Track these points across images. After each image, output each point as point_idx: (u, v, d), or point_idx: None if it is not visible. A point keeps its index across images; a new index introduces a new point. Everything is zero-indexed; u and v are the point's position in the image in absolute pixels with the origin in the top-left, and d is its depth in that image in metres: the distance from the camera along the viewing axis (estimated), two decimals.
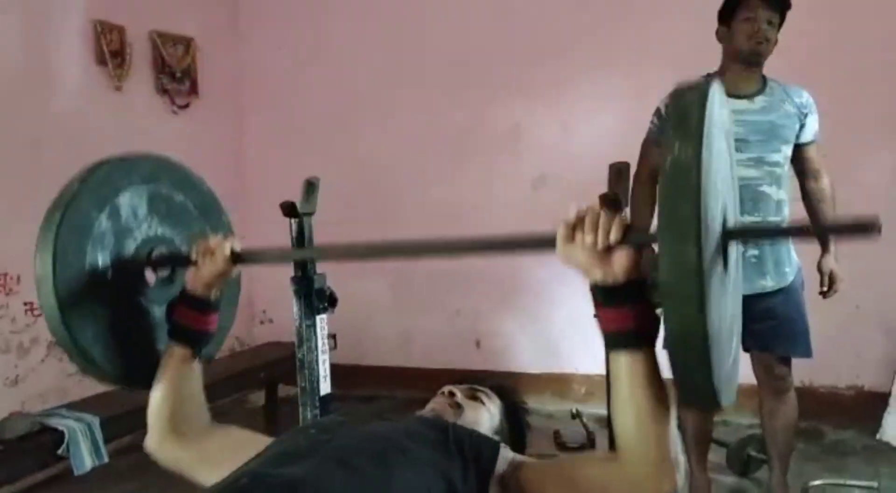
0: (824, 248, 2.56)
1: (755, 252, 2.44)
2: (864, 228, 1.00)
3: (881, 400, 3.35)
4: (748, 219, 2.41)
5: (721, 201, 1.05)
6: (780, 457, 2.60)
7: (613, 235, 1.05)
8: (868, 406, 3.40)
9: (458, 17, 4.18)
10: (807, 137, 2.51)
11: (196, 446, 1.36)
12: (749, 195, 2.42)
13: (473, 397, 1.45)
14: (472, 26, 4.16)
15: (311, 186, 1.55)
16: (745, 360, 2.58)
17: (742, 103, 2.43)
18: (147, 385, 1.42)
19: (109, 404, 2.83)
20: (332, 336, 1.61)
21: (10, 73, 3.38)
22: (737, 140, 2.36)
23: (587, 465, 1.20)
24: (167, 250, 1.50)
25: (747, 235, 1.23)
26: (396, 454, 1.13)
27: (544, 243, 1.12)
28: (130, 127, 3.93)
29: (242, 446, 1.29)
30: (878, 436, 3.29)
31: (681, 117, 0.98)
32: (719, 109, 1.08)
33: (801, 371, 3.37)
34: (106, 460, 2.69)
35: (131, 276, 1.44)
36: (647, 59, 3.70)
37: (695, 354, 0.94)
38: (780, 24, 2.43)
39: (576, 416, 3.55)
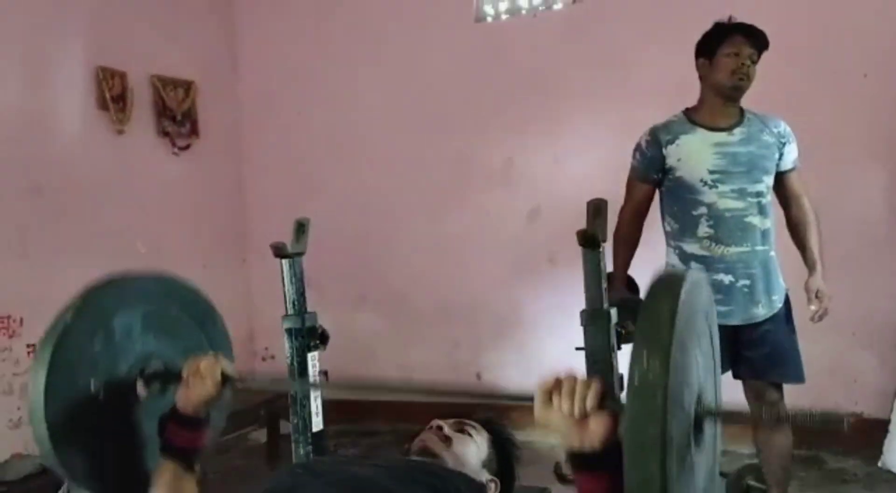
0: (812, 268, 2.57)
1: (746, 282, 2.47)
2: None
3: (881, 427, 3.34)
4: (734, 249, 2.46)
5: (695, 386, 1.07)
6: (777, 484, 2.60)
7: (589, 403, 1.07)
8: (868, 434, 3.39)
9: (452, 56, 4.27)
10: (786, 165, 2.56)
11: None
12: (737, 226, 2.47)
13: (461, 431, 1.48)
14: (465, 64, 4.24)
15: (300, 227, 1.60)
16: (738, 387, 2.61)
17: (721, 136, 2.49)
18: None
19: None
20: (324, 373, 1.64)
21: (14, 119, 3.48)
22: (719, 172, 2.45)
23: None
24: (161, 364, 1.52)
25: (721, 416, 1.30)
26: None
27: (523, 401, 1.17)
28: (132, 170, 4.02)
29: None
30: (879, 463, 3.28)
31: (651, 326, 0.99)
32: (695, 295, 1.09)
33: (801, 399, 3.36)
34: None
35: (123, 393, 1.47)
36: (636, 94, 3.76)
37: None
38: (757, 61, 2.49)
39: None
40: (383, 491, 1.16)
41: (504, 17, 4.21)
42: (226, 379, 1.40)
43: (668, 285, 1.05)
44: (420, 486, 1.20)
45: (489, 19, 4.23)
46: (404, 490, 1.18)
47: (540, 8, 4.12)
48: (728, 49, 2.46)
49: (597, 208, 1.36)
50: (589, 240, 1.30)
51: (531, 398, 1.13)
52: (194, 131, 4.39)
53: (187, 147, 4.34)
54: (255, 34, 4.77)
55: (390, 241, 4.42)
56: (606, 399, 1.09)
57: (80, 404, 1.38)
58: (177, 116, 4.27)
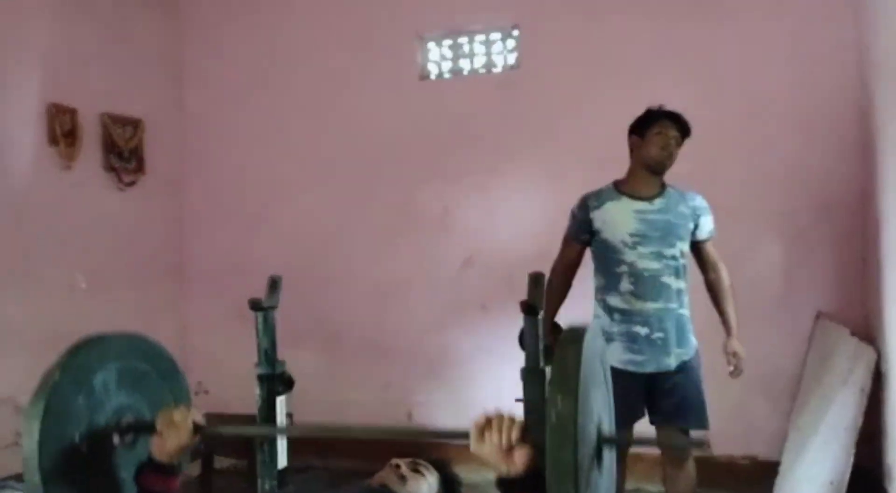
0: (728, 332, 2.93)
1: (660, 335, 2.78)
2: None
3: (773, 468, 3.67)
4: (651, 305, 2.77)
5: (596, 419, 1.37)
6: None
7: (514, 437, 1.33)
8: (762, 474, 3.71)
9: (395, 109, 4.52)
10: (702, 234, 2.91)
11: None
12: (653, 284, 2.80)
13: (415, 470, 1.70)
14: (408, 117, 4.49)
15: (273, 284, 1.79)
16: (651, 431, 2.90)
17: (643, 204, 2.84)
18: None
19: None
20: (289, 415, 1.82)
21: None
22: (639, 235, 2.78)
23: None
24: (134, 417, 1.68)
25: (619, 442, 1.69)
26: None
27: (460, 437, 1.42)
28: (79, 203, 4.09)
29: None
30: None
31: (562, 375, 1.27)
32: (593, 344, 1.38)
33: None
34: None
35: (102, 443, 1.62)
36: (564, 154, 4.12)
37: None
38: (680, 145, 2.86)
39: None
40: None
41: (447, 76, 4.50)
42: (197, 428, 1.57)
43: (572, 338, 1.33)
44: None
45: (433, 77, 4.51)
46: None
47: (480, 71, 4.43)
48: (657, 129, 2.84)
49: (535, 280, 1.61)
50: (530, 309, 1.54)
51: (467, 435, 1.39)
52: (140, 168, 4.49)
53: (133, 183, 4.43)
54: (203, 75, 4.92)
55: (328, 282, 4.58)
56: (527, 433, 1.34)
57: (67, 455, 1.53)
58: (124, 152, 4.36)
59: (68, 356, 1.60)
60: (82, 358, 1.62)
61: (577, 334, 1.34)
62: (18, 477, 3.04)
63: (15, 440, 3.61)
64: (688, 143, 2.96)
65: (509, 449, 1.32)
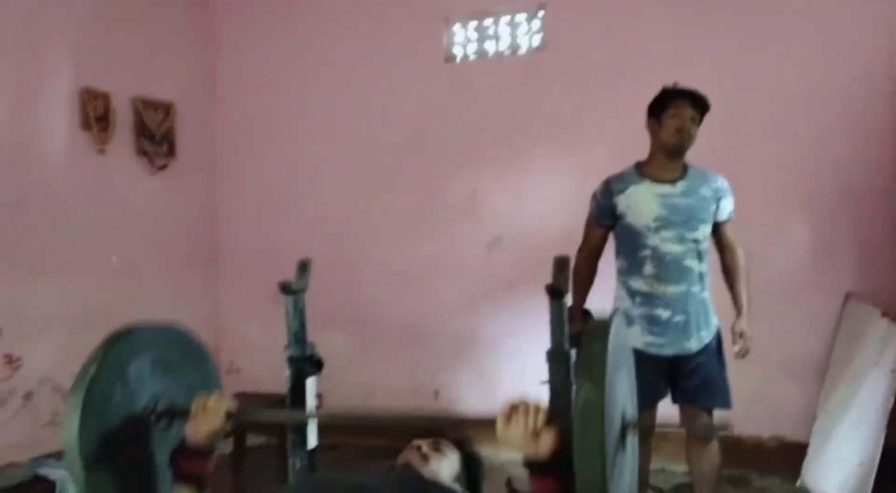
0: (739, 312, 2.91)
1: (682, 318, 2.77)
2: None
3: (801, 450, 3.68)
4: (673, 288, 2.77)
5: (620, 404, 1.40)
6: None
7: (540, 421, 1.39)
8: (789, 455, 3.72)
9: (422, 91, 4.54)
10: (722, 216, 2.89)
11: None
12: (676, 267, 2.78)
13: (437, 450, 1.74)
14: (434, 99, 4.51)
15: (303, 266, 1.83)
16: (675, 410, 2.91)
17: (665, 188, 2.80)
18: None
19: None
20: (319, 396, 1.87)
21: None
22: (662, 219, 2.77)
23: None
24: (168, 402, 1.73)
25: (642, 428, 1.73)
26: None
27: (488, 423, 1.46)
28: (111, 188, 4.16)
29: None
30: (797, 483, 3.61)
31: (589, 363, 1.32)
32: (618, 335, 1.42)
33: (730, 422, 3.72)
34: None
35: (137, 430, 1.68)
36: (591, 138, 4.10)
37: None
38: (700, 122, 2.81)
39: None
40: None
41: (472, 58, 4.49)
42: (230, 414, 1.63)
43: (598, 329, 1.38)
44: None
45: (458, 60, 4.51)
46: None
47: (505, 53, 4.41)
48: (673, 110, 2.78)
49: (560, 264, 1.62)
50: (555, 292, 1.56)
51: (494, 420, 1.44)
52: (172, 152, 4.55)
53: (164, 167, 4.50)
54: (233, 60, 4.96)
55: (358, 265, 4.63)
56: (553, 418, 1.40)
57: (105, 443, 1.60)
58: (156, 136, 4.42)
59: (104, 349, 1.65)
60: (117, 350, 1.67)
61: (603, 324, 1.38)
62: (57, 455, 3.14)
63: (53, 419, 3.74)
64: (717, 127, 2.92)
65: (535, 433, 1.37)
